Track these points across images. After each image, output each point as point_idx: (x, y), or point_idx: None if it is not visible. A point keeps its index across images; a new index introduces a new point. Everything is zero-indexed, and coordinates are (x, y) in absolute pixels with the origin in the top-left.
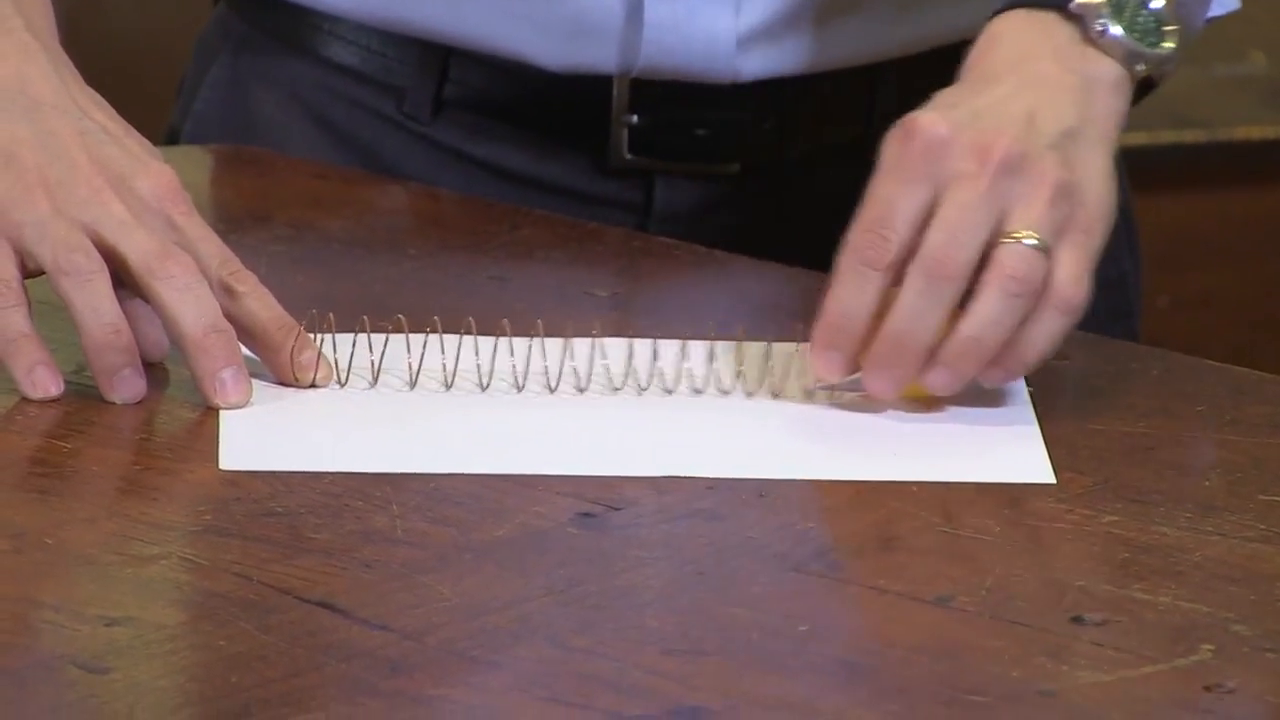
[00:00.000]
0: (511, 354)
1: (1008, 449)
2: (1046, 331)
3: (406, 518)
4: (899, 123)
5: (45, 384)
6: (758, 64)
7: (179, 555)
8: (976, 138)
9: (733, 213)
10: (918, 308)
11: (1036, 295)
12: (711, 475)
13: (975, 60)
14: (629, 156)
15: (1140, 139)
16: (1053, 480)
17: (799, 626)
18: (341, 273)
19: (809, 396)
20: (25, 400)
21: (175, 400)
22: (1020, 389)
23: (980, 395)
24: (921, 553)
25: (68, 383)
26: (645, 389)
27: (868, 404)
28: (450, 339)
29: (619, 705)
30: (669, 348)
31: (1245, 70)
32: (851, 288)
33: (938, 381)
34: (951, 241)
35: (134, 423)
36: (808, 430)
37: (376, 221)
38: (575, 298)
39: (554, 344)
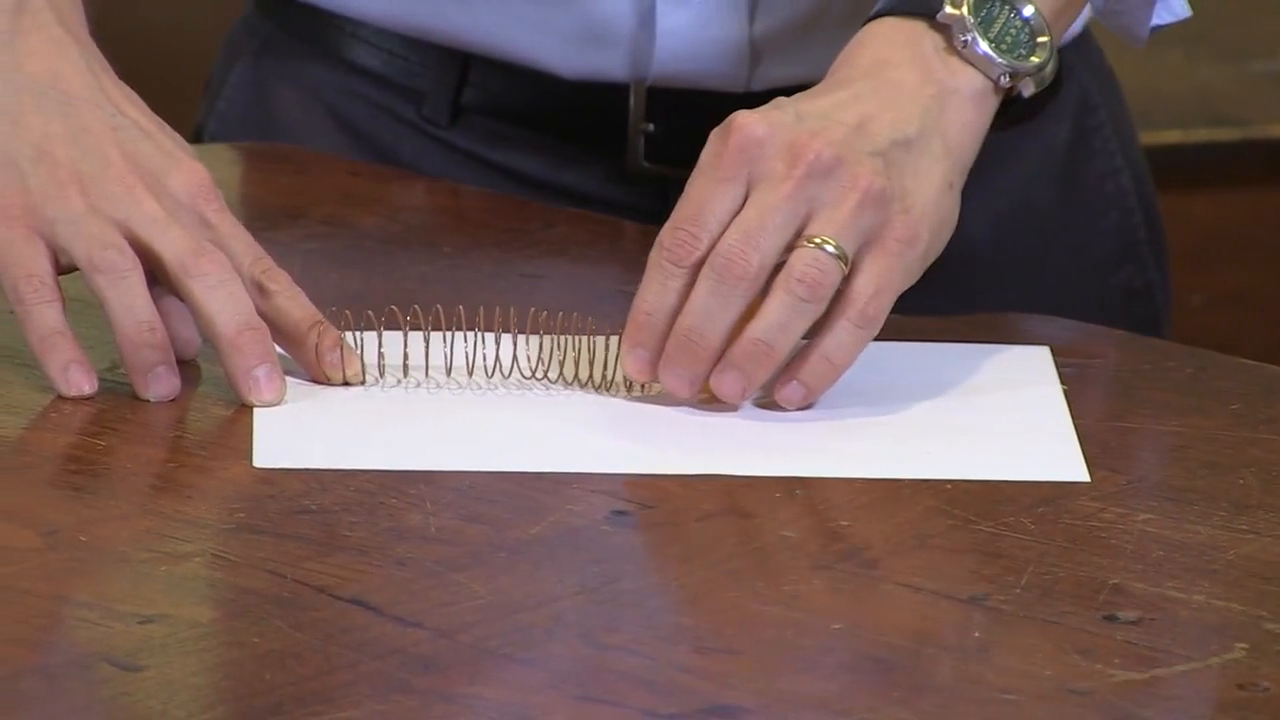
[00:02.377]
0: (527, 347)
1: (1042, 447)
2: (839, 343)
3: (440, 515)
4: (724, 121)
5: (79, 382)
6: (772, 72)
7: (212, 552)
8: (792, 139)
9: None
10: (708, 306)
11: (825, 301)
12: (745, 473)
13: (837, 64)
14: (646, 164)
15: (1174, 137)
16: (1087, 478)
17: (832, 624)
18: (375, 270)
19: (630, 391)
20: (59, 398)
21: (209, 398)
22: (1054, 387)
23: (1014, 394)
24: (956, 551)
25: (101, 380)
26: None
27: (899, 403)
28: (474, 335)
29: (652, 704)
30: None
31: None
32: (656, 286)
33: (728, 384)
34: (745, 242)
35: (168, 420)
36: (841, 428)
37: (410, 219)
38: (609, 295)
39: (583, 341)
